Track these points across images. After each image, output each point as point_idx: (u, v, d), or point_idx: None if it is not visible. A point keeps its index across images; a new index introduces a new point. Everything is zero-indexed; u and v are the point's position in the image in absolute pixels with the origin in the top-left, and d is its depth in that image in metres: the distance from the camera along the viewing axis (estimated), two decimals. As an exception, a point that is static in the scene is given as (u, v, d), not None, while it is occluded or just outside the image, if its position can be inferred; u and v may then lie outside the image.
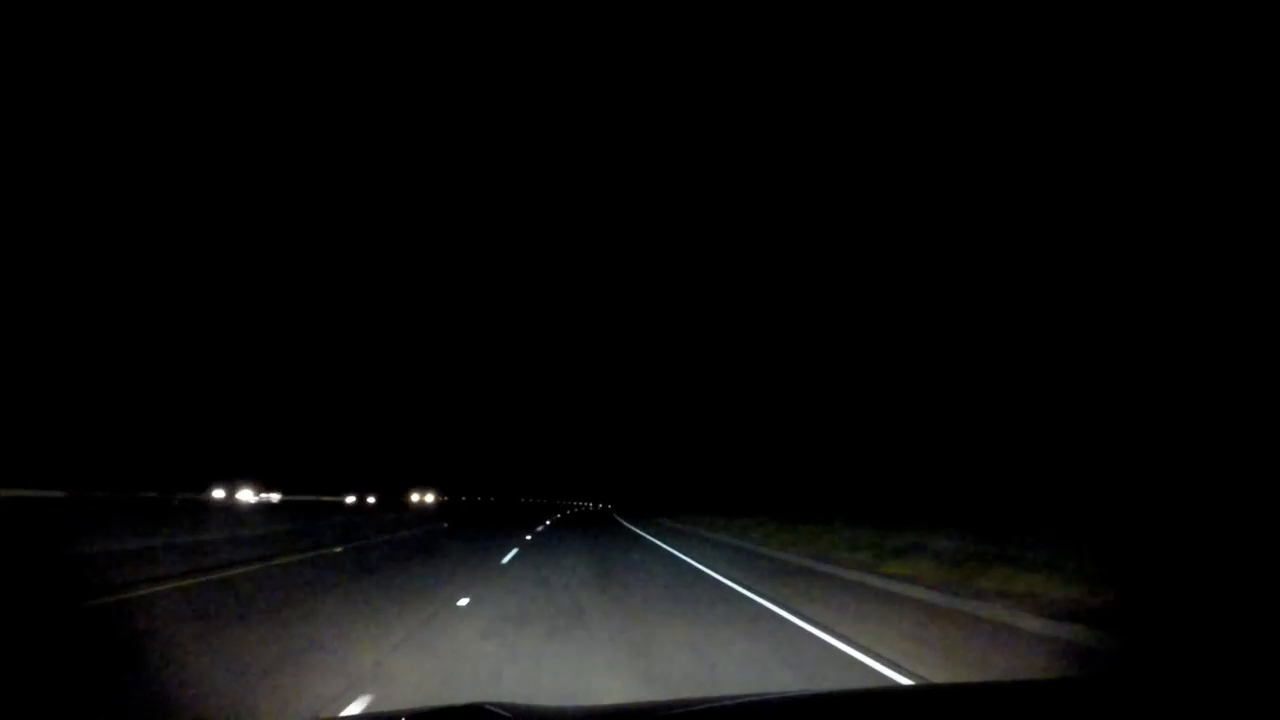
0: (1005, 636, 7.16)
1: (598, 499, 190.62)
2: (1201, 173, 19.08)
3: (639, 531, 29.35)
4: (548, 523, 36.82)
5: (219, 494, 37.87)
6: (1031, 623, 7.55)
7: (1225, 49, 18.85)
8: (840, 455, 34.28)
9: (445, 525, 30.17)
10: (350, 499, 48.93)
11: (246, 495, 38.72)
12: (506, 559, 14.50)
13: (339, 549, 15.70)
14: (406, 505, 60.14)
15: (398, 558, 14.12)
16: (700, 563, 15.12)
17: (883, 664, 5.82)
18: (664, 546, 20.51)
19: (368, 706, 4.30)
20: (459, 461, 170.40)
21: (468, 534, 23.96)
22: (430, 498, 76.67)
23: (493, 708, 1.63)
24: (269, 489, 42.75)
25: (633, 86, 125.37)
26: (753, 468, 48.97)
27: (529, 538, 22.26)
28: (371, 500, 52.81)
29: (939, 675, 5.44)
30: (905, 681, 5.33)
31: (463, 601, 8.56)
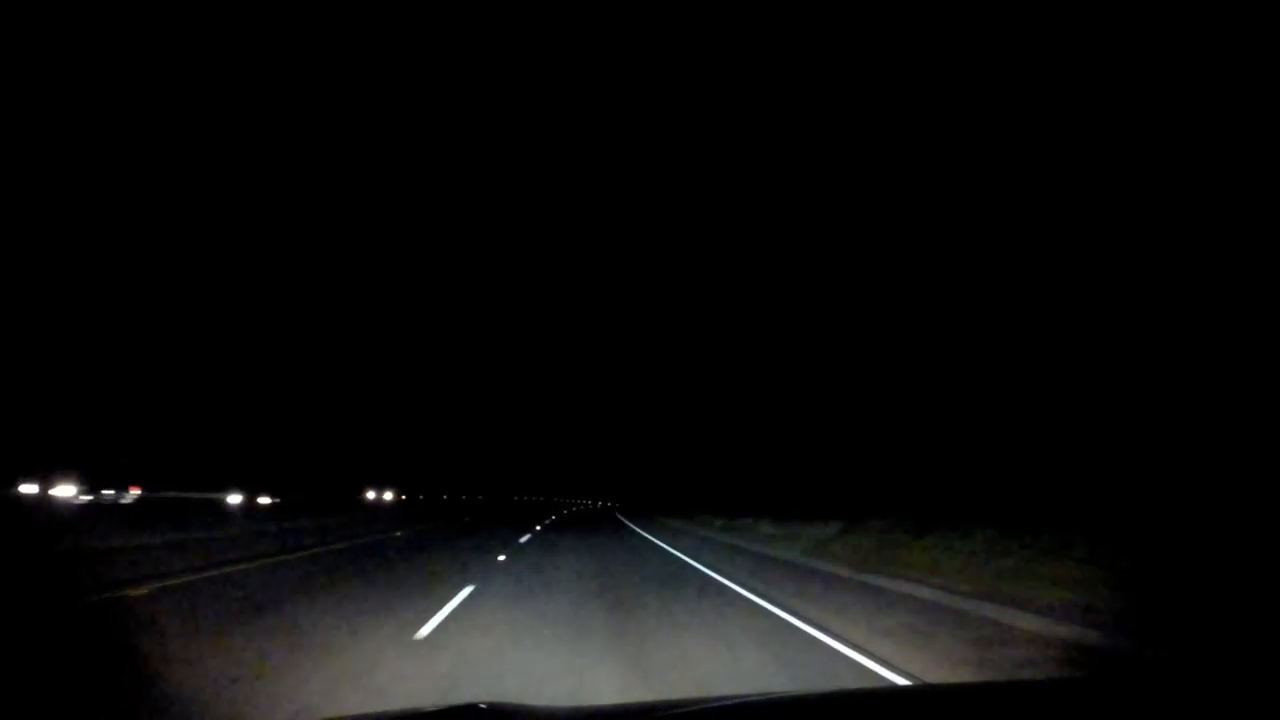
0: None
1: (598, 496, 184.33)
2: (1224, 166, 17.12)
3: (665, 546, 21.23)
4: (538, 528, 29.84)
5: (29, 489, 30.08)
6: None
7: (1225, 49, 17.40)
8: (902, 443, 27.78)
9: (399, 534, 23.26)
10: (235, 498, 40.62)
11: (66, 490, 30.75)
12: (428, 626, 8.02)
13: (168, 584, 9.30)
14: (361, 505, 51.99)
15: (203, 622, 7.64)
16: (806, 621, 8.70)
17: None
18: (714, 575, 13.94)
19: None
20: (448, 457, 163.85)
21: (412, 550, 17.18)
22: (389, 495, 69.56)
23: (492, 707, 1.65)
24: (123, 483, 34.10)
25: (632, 86, 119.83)
26: (779, 460, 42.52)
27: (502, 558, 15.34)
28: (265, 501, 42.63)
29: None
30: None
31: None
